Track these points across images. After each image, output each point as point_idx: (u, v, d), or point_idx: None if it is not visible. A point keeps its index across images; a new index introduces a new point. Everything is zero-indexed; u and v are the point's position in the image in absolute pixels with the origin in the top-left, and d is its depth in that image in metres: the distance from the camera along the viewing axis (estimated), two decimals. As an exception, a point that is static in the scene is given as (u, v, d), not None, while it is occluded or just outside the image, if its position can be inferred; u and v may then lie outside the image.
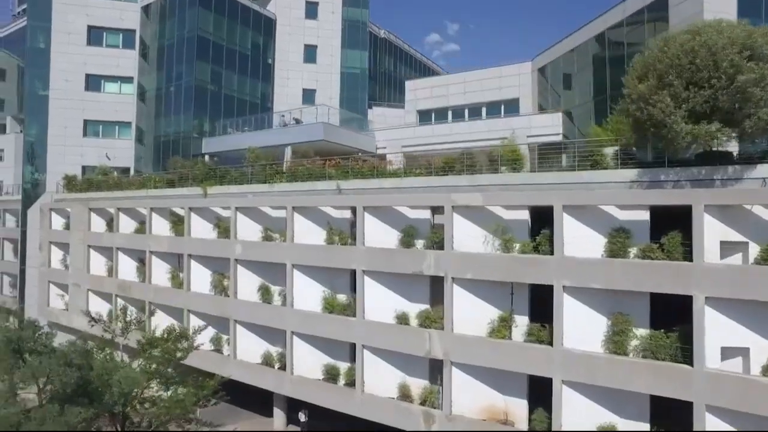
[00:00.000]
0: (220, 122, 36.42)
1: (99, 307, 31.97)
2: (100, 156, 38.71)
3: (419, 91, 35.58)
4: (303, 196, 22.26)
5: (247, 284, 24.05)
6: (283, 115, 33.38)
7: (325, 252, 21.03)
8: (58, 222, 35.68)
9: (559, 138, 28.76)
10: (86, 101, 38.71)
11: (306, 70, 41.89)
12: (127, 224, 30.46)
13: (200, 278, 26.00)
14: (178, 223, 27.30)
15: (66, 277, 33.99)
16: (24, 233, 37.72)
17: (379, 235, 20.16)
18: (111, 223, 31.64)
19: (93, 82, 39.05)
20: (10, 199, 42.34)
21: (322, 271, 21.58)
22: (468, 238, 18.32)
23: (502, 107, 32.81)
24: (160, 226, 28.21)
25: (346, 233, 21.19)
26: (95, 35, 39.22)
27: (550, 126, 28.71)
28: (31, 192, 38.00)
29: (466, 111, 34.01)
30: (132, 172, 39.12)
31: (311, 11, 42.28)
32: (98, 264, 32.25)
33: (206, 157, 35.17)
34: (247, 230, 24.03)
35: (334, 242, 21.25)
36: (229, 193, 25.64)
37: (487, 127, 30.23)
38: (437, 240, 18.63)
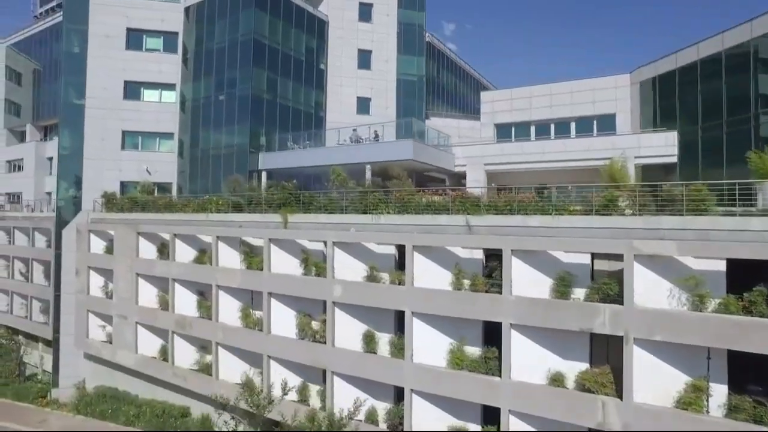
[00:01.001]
0: (276, 135, 32.93)
1: (151, 343, 28.44)
2: (139, 170, 35.03)
3: (497, 103, 32.33)
4: (424, 234, 18.88)
5: (345, 330, 20.69)
6: (354, 129, 29.99)
7: (456, 299, 17.70)
8: (97, 244, 31.96)
9: (674, 160, 25.76)
10: (125, 111, 34.99)
11: (360, 77, 38.49)
12: (183, 251, 26.89)
13: (282, 319, 22.57)
14: (251, 255, 23.84)
15: (109, 307, 30.30)
16: (58, 256, 33.89)
17: (525, 281, 16.93)
18: (163, 250, 28.06)
19: (132, 90, 35.33)
20: (40, 216, 38.44)
21: (449, 321, 18.25)
22: (650, 290, 15.17)
23: (595, 123, 29.68)
24: (228, 257, 24.72)
25: (479, 277, 17.89)
26: (134, 38, 35.52)
27: (664, 147, 25.66)
28: (66, 210, 34.21)
29: (552, 126, 30.84)
30: (174, 188, 35.48)
31: (365, 13, 38.89)
32: (148, 294, 28.62)
33: (263, 175, 31.63)
34: (345, 268, 20.66)
35: (462, 287, 18.00)
36: (317, 223, 22.20)
37: (586, 145, 27.09)
38: (609, 291, 15.45)
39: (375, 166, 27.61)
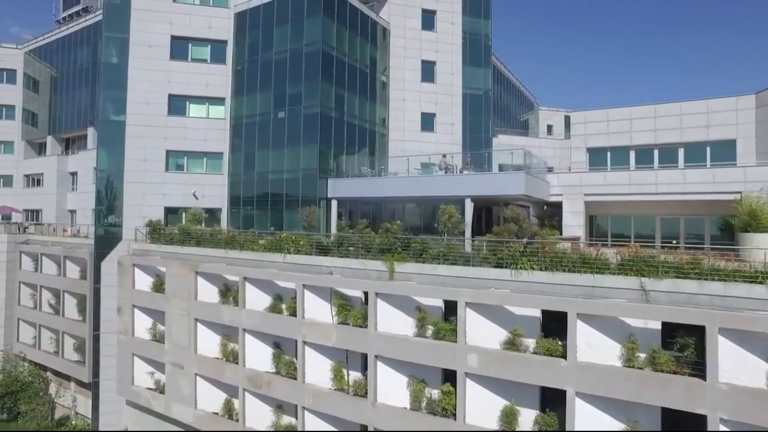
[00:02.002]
0: (343, 157, 29.22)
1: (212, 396, 24.64)
2: (186, 195, 31.18)
3: (591, 125, 28.78)
4: (588, 300, 15.31)
5: (477, 403, 17.09)
6: (444, 156, 26.34)
7: (638, 380, 14.19)
8: (143, 280, 28.04)
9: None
10: (169, 128, 31.09)
11: (424, 91, 34.81)
12: (255, 297, 23.10)
13: (389, 385, 18.93)
14: (347, 308, 20.13)
15: (159, 353, 26.40)
16: (97, 290, 29.98)
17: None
18: (227, 293, 24.26)
19: (177, 105, 31.42)
20: (73, 242, 34.38)
21: (625, 404, 14.71)
22: None
23: (708, 150, 26.23)
24: (314, 307, 21.01)
25: (662, 353, 14.36)
26: (179, 48, 31.60)
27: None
28: (105, 239, 30.27)
29: (656, 152, 27.33)
30: (225, 215, 31.62)
31: (428, 21, 35.22)
32: (209, 342, 24.79)
33: (333, 204, 27.88)
34: (476, 331, 17.04)
35: (642, 364, 14.49)
36: (434, 275, 18.52)
37: (710, 177, 23.63)
38: None
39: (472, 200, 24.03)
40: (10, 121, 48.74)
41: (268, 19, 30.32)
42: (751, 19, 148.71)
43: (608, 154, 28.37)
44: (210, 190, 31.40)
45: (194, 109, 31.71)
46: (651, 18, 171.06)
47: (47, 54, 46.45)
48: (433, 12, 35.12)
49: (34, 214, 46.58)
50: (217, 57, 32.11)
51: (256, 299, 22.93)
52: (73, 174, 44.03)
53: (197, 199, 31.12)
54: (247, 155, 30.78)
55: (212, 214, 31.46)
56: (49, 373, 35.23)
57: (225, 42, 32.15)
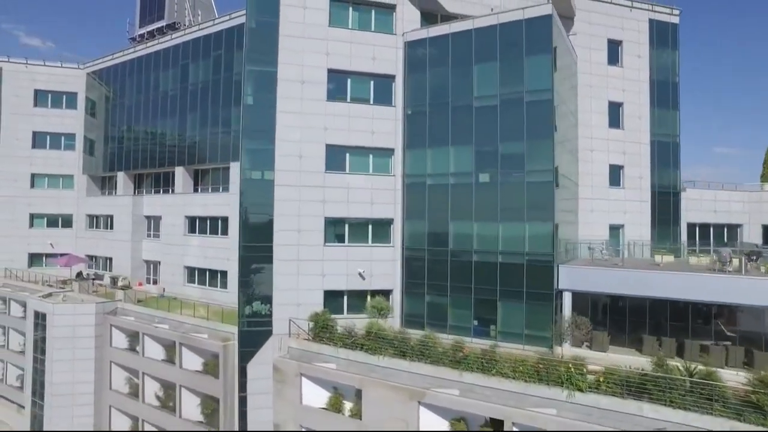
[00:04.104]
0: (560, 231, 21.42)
1: None
2: (349, 274, 22.89)
3: None
4: None
5: None
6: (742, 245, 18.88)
7: None
8: (313, 392, 19.92)
9: None
10: (328, 188, 22.74)
11: (611, 138, 27.17)
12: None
13: None
14: None
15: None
16: (242, 399, 21.57)
17: None
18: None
19: (335, 158, 22.99)
20: (186, 323, 25.33)
21: None
22: None
23: None
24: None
25: None
26: (336, 84, 23.23)
27: None
28: (250, 334, 21.80)
29: None
30: (397, 299, 23.44)
31: (614, 54, 27.51)
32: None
33: (565, 298, 20.08)
34: None
35: None
36: None
37: None
38: None
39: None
40: (70, 152, 39.56)
41: (461, 53, 22.20)
42: None
43: None
44: (378, 267, 23.19)
45: (357, 164, 23.43)
46: None
47: (116, 76, 37.10)
48: (619, 43, 27.48)
49: (99, 262, 37.45)
50: (383, 97, 23.83)
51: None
52: (150, 218, 35.07)
53: (363, 279, 22.92)
54: (432, 226, 22.61)
55: (379, 297, 23.27)
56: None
57: (392, 77, 23.89)
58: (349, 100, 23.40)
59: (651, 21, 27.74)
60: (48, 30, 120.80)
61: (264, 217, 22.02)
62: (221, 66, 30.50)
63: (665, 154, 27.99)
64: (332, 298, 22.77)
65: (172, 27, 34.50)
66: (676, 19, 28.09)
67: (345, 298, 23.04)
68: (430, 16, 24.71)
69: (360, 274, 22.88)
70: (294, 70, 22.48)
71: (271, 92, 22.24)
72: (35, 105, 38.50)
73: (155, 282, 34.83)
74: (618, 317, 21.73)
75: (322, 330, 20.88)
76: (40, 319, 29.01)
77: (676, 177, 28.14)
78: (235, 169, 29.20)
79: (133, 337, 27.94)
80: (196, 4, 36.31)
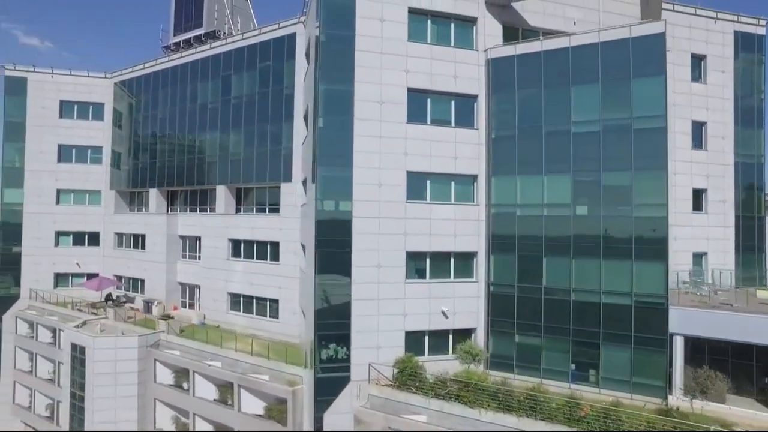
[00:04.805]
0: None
1: None
2: (432, 313, 20.66)
3: None
4: None
5: None
6: None
7: None
8: (405, 454, 17.79)
9: None
10: (409, 219, 20.49)
11: (694, 161, 25.19)
12: None
13: None
14: None
15: None
16: (316, 457, 19.37)
17: None
18: None
19: (416, 184, 20.73)
20: (243, 362, 22.62)
21: None
22: None
23: None
24: None
25: None
26: (416, 104, 20.91)
27: None
28: (325, 381, 19.52)
29: None
30: (480, 337, 21.28)
31: (696, 68, 25.53)
32: None
33: (677, 344, 18.03)
34: None
35: None
36: None
37: None
38: None
39: None
40: (97, 165, 36.91)
41: (556, 73, 20.01)
42: None
43: None
44: (460, 304, 21.02)
45: (437, 192, 21.19)
46: None
47: (147, 86, 34.44)
48: (703, 57, 25.46)
49: (129, 283, 34.94)
50: (464, 118, 21.60)
51: None
52: (185, 238, 32.60)
53: (447, 318, 20.74)
54: (523, 260, 20.43)
55: (461, 337, 21.12)
56: None
57: (474, 98, 21.66)
58: (429, 122, 21.13)
59: (736, 33, 25.76)
60: (48, 30, 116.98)
61: (340, 252, 19.68)
62: (269, 78, 28.08)
63: (749, 176, 26.02)
64: (413, 338, 20.55)
65: (212, 36, 31.94)
66: (762, 30, 26.11)
67: (426, 338, 20.84)
68: (509, 30, 22.49)
69: (443, 312, 20.69)
70: (372, 90, 20.16)
71: (346, 114, 19.91)
72: (60, 116, 35.80)
73: (191, 306, 32.42)
74: (720, 358, 19.78)
75: (409, 377, 18.68)
76: (78, 352, 26.53)
77: (761, 200, 26.25)
78: (287, 189, 26.99)
79: (180, 374, 25.61)
80: (234, 11, 33.75)
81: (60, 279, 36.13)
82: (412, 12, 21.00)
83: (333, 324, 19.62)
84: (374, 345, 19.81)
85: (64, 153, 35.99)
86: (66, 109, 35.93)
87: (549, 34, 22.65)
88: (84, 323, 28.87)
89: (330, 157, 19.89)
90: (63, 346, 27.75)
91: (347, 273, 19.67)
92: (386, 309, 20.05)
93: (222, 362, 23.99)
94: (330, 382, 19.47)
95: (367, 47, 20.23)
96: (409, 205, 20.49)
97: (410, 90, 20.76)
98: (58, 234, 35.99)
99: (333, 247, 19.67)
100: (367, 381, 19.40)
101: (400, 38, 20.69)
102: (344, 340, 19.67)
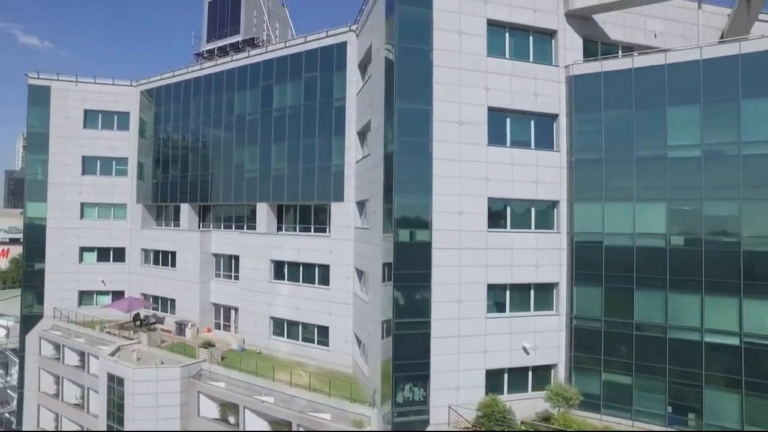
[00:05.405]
0: None
1: None
2: (513, 349, 18.99)
3: None
4: None
5: None
6: None
7: None
8: None
9: None
10: (491, 250, 18.78)
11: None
12: None
13: None
14: None
15: None
16: None
17: None
18: None
19: (496, 212, 19.06)
20: (313, 402, 20.79)
21: None
22: None
23: None
24: None
25: None
26: (496, 125, 19.23)
27: None
28: (416, 421, 17.80)
29: None
30: (561, 374, 19.70)
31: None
32: None
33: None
34: None
35: None
36: None
37: None
38: None
39: None
40: (122, 178, 34.82)
41: (649, 92, 18.34)
42: None
43: None
44: (541, 339, 19.40)
45: (517, 219, 19.52)
46: None
47: (177, 95, 32.39)
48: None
49: (158, 302, 32.96)
50: (544, 140, 19.95)
51: None
52: (219, 256, 30.70)
53: (528, 354, 19.11)
54: (611, 293, 18.79)
55: (540, 373, 19.54)
56: None
57: (554, 117, 20.01)
58: (509, 144, 19.46)
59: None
60: (47, 30, 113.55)
61: (419, 286, 17.96)
62: (316, 89, 26.22)
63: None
64: (492, 377, 18.92)
65: (250, 43, 29.96)
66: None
67: (506, 376, 19.23)
68: (588, 44, 20.86)
69: (524, 348, 19.08)
70: (451, 109, 18.44)
71: (425, 135, 18.17)
72: (84, 126, 33.68)
73: (226, 328, 30.56)
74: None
75: (497, 423, 17.06)
76: (115, 383, 24.57)
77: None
78: (338, 209, 25.18)
79: (227, 408, 23.75)
80: (272, 17, 31.76)
81: (84, 297, 34.07)
82: (491, 24, 19.27)
83: (410, 365, 17.87)
84: (454, 386, 18.16)
85: (88, 165, 33.86)
86: (90, 118, 33.78)
87: (628, 48, 21.12)
88: (118, 349, 26.91)
89: (407, 183, 18.10)
90: (99, 376, 25.74)
91: (426, 309, 17.96)
92: (467, 346, 18.39)
93: (275, 397, 22.23)
94: (406, 426, 17.78)
95: (446, 62, 18.48)
96: (490, 235, 18.81)
97: (490, 109, 19.05)
98: (82, 249, 33.91)
99: (411, 281, 17.91)
100: (447, 424, 17.79)
101: (479, 53, 18.96)
102: (422, 380, 17.97)
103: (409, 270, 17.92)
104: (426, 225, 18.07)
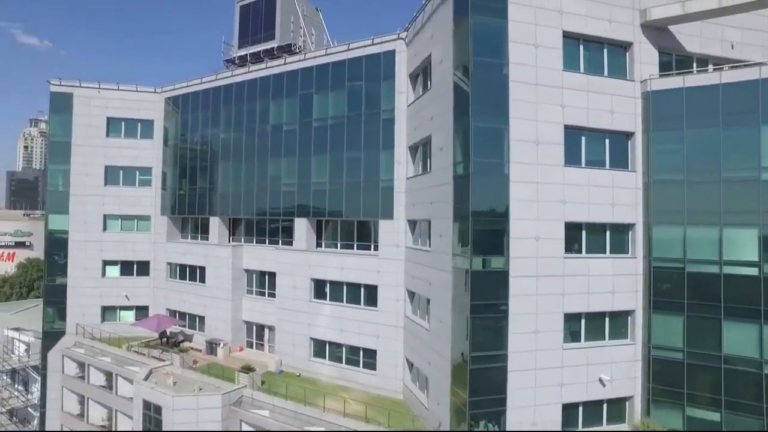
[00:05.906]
0: None
1: None
2: (589, 381, 17.84)
3: None
4: None
5: None
6: None
7: None
8: None
9: None
10: (568, 276, 17.58)
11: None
12: None
13: None
14: None
15: None
16: None
17: None
18: None
19: (572, 237, 17.82)
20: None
21: None
22: None
23: None
24: None
25: None
26: (570, 144, 17.94)
27: None
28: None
29: None
30: (638, 409, 18.57)
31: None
32: None
33: None
34: None
35: None
36: None
37: None
38: None
39: None
40: (146, 188, 33.26)
41: (738, 109, 17.17)
42: None
43: None
44: (618, 370, 18.16)
45: (592, 244, 18.30)
46: None
47: (206, 103, 30.81)
48: None
49: (185, 318, 31.48)
50: (619, 159, 18.69)
51: None
52: (251, 272, 29.30)
53: (604, 386, 17.93)
54: (694, 322, 17.60)
55: (615, 406, 18.40)
56: None
57: (629, 135, 18.78)
58: (584, 164, 18.23)
59: None
60: (47, 30, 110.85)
61: (494, 317, 16.73)
62: (361, 99, 24.85)
63: None
64: (567, 410, 17.76)
65: (286, 49, 28.38)
66: None
67: (580, 409, 18.05)
68: (663, 57, 19.64)
69: (601, 380, 17.91)
70: (527, 127, 17.16)
71: (500, 156, 16.88)
72: (107, 135, 32.05)
73: (259, 347, 29.22)
74: None
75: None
76: (152, 411, 23.18)
77: None
78: (387, 227, 23.83)
79: (274, 436, 22.44)
80: (307, 22, 30.26)
81: (107, 312, 32.56)
82: (566, 36, 18.00)
83: (486, 401, 16.64)
84: (530, 421, 16.95)
85: (110, 175, 32.26)
86: (113, 126, 32.18)
87: (703, 60, 19.96)
88: (150, 372, 25.48)
89: (483, 207, 16.83)
90: (134, 401, 24.29)
91: (503, 341, 16.72)
92: (543, 380, 17.18)
93: (325, 428, 20.92)
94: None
95: (522, 78, 17.19)
96: (567, 261, 17.59)
97: (566, 127, 17.80)
98: (105, 263, 32.34)
99: (488, 312, 16.66)
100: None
101: (554, 67, 17.69)
102: (497, 417, 16.74)
103: (486, 300, 16.66)
104: (502, 252, 16.80)
